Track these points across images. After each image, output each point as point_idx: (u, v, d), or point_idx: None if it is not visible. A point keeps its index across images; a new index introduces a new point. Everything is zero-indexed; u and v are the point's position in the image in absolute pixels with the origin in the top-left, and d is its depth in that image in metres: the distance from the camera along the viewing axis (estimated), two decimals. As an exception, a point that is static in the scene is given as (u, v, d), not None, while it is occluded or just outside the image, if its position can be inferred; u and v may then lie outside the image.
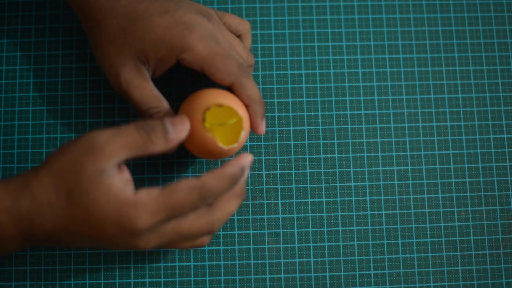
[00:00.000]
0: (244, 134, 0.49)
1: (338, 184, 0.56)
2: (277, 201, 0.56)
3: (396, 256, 0.55)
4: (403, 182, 0.56)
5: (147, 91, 0.50)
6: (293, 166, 0.56)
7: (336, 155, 0.56)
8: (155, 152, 0.45)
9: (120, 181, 0.43)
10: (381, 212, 0.56)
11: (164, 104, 0.50)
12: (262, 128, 0.50)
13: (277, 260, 0.55)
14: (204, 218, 0.46)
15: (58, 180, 0.44)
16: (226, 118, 0.48)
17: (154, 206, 0.43)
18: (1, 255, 0.46)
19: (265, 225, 0.55)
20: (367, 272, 0.55)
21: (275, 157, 0.56)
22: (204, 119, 0.48)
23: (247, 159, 0.46)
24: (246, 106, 0.50)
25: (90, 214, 0.43)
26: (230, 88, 0.51)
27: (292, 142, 0.57)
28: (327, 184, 0.56)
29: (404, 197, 0.56)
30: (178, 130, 0.46)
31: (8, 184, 0.45)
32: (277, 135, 0.57)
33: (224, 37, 0.52)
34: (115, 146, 0.44)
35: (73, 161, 0.44)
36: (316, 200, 0.56)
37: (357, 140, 0.57)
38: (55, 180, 0.44)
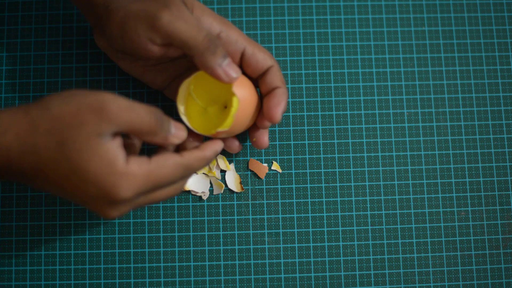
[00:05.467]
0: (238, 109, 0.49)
1: (338, 184, 0.56)
2: (277, 201, 0.56)
3: (396, 256, 0.55)
4: (403, 182, 0.56)
5: (193, 20, 0.48)
6: (293, 166, 0.56)
7: (336, 155, 0.56)
8: (152, 142, 0.46)
9: (116, 147, 0.44)
10: (381, 212, 0.56)
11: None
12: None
13: (277, 260, 0.55)
14: (174, 187, 0.48)
15: (53, 126, 0.43)
16: (222, 97, 0.50)
17: (141, 180, 0.44)
18: None
19: (265, 225, 0.55)
20: (367, 272, 0.55)
21: (275, 157, 0.56)
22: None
23: (220, 145, 0.49)
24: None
25: (76, 171, 0.43)
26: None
27: (292, 142, 0.57)
28: (327, 184, 0.56)
29: (404, 197, 0.56)
30: (177, 135, 0.47)
31: None
32: (277, 135, 0.57)
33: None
34: (123, 118, 0.44)
35: (75, 113, 0.43)
36: (316, 200, 0.56)
37: (357, 140, 0.57)
38: (50, 124, 0.43)
